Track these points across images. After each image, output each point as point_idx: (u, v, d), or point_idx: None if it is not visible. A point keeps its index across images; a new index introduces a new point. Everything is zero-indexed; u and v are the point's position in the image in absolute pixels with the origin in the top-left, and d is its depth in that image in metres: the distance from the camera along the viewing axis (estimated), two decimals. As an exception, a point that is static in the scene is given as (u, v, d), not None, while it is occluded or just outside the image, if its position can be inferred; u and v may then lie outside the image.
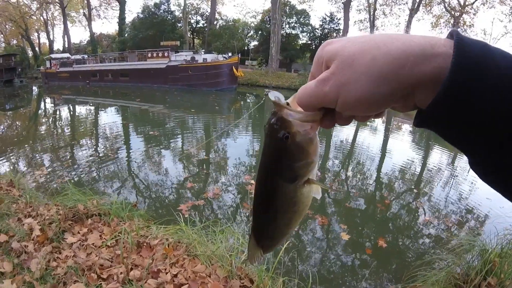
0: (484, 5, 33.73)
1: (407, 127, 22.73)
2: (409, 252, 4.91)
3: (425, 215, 6.10)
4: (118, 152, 8.23)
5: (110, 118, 12.97)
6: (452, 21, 35.12)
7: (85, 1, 39.04)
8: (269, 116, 0.44)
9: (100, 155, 7.97)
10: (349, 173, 9.13)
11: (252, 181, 6.56)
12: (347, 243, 4.82)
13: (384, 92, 0.36)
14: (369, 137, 15.59)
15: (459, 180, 7.86)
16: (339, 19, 38.87)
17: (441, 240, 5.03)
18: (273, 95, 0.43)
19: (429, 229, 5.71)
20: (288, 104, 0.43)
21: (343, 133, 16.00)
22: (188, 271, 2.69)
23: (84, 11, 39.98)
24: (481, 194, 6.47)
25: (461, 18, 34.74)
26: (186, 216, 4.17)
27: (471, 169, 0.40)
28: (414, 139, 16.60)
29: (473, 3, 34.00)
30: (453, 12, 34.80)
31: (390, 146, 13.90)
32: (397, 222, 5.98)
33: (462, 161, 9.43)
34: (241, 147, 9.99)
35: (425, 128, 0.38)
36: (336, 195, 7.08)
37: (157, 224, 3.58)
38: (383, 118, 25.13)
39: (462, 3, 34.26)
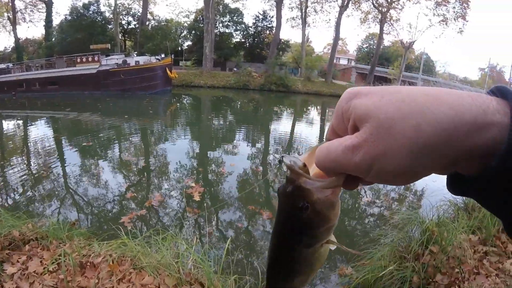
0: (409, 0, 36.14)
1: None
2: (356, 232, 5.12)
3: (366, 196, 6.37)
4: (52, 168, 7.76)
5: (40, 132, 12.13)
6: (379, 16, 37.45)
7: (10, 4, 35.23)
8: (283, 183, 0.40)
9: (33, 173, 7.45)
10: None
11: (193, 184, 6.45)
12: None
13: (427, 165, 0.31)
14: (306, 129, 16.12)
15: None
16: (272, 17, 39.68)
17: (384, 217, 5.26)
18: (288, 159, 0.39)
19: (372, 208, 6.00)
20: (305, 165, 0.39)
21: (281, 126, 16.36)
22: (137, 285, 2.65)
23: (9, 14, 36.13)
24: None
25: (388, 14, 37.15)
26: (129, 228, 4.03)
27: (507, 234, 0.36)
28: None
29: (400, -1, 36.26)
30: (380, 8, 37.09)
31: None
32: (342, 205, 6.16)
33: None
34: (180, 150, 9.77)
35: (462, 196, 0.35)
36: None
37: (99, 240, 3.42)
38: (319, 109, 26.17)
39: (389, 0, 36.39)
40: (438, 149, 0.30)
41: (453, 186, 0.35)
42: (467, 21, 34.87)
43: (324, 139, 0.40)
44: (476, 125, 0.29)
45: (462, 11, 34.84)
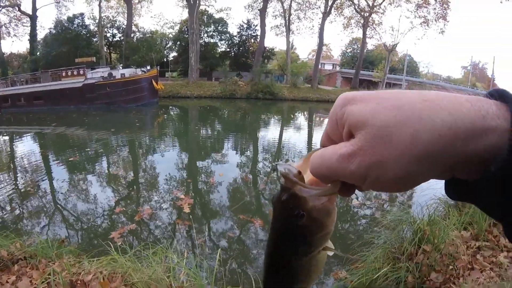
0: (391, 4, 36.78)
1: (329, 121, 23.92)
2: (349, 235, 5.11)
3: (358, 199, 6.37)
4: (40, 184, 7.64)
5: (26, 148, 11.89)
6: (362, 21, 38.03)
7: None
8: (278, 191, 0.39)
9: (20, 190, 7.31)
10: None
11: (183, 195, 6.40)
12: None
13: (424, 172, 0.30)
14: (294, 135, 16.18)
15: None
16: (256, 25, 39.85)
17: (376, 218, 5.26)
18: (283, 167, 0.38)
19: (363, 210, 6.01)
20: (299, 172, 0.38)
21: (270, 133, 16.38)
22: (128, 302, 2.61)
23: None
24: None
25: (371, 18, 37.73)
26: (119, 243, 3.99)
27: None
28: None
29: (381, 3, 36.97)
30: (362, 13, 37.63)
31: (316, 141, 14.46)
32: (333, 209, 6.16)
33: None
34: (168, 162, 9.69)
35: (460, 200, 0.34)
36: (272, 195, 7.09)
37: (89, 257, 3.39)
38: (306, 115, 26.34)
39: (370, 4, 37.01)
40: (437, 157, 0.29)
41: (451, 191, 0.35)
42: (447, 21, 35.55)
43: (319, 146, 0.39)
44: (475, 131, 0.29)
45: (443, 11, 35.53)
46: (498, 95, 0.31)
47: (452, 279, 3.07)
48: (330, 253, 0.46)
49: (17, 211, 6.16)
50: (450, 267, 3.17)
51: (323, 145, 0.38)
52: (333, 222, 0.41)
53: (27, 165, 9.47)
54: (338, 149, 0.33)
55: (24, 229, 5.35)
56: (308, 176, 0.39)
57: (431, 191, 4.36)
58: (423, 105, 0.30)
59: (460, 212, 4.07)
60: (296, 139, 14.60)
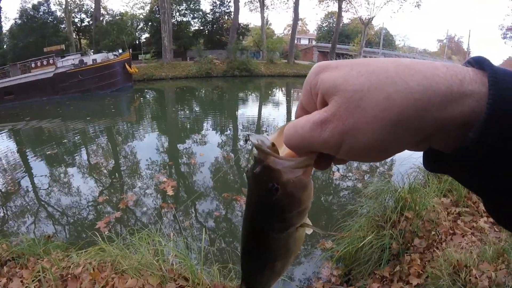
0: None
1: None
2: (333, 206, 5.23)
3: (339, 171, 6.48)
4: (21, 182, 7.46)
5: (2, 146, 11.37)
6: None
7: None
8: (251, 163, 0.37)
9: (1, 191, 7.12)
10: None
11: (165, 179, 6.36)
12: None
13: (400, 139, 0.29)
14: (273, 111, 16.19)
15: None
16: (229, 1, 38.89)
17: (358, 189, 5.38)
18: (255, 138, 0.36)
19: (345, 182, 6.13)
20: (273, 144, 0.36)
21: (248, 110, 16.32)
22: (121, 289, 2.64)
23: None
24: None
25: (346, -9, 37.34)
26: (105, 232, 4.11)
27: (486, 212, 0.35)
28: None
29: (357, -24, 36.57)
30: (338, -14, 37.16)
31: (295, 116, 14.53)
32: (316, 182, 6.27)
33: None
34: (149, 146, 9.58)
35: (439, 173, 0.33)
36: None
37: (77, 250, 3.37)
38: (283, 90, 26.32)
39: (346, -24, 36.55)
40: (412, 122, 0.28)
41: (429, 163, 0.33)
42: (424, -5, 35.65)
43: (294, 118, 0.37)
44: (451, 95, 0.27)
45: (418, -16, 35.59)
46: (476, 63, 0.31)
47: (435, 244, 3.19)
48: (309, 232, 0.44)
49: (0, 213, 6.01)
50: (433, 232, 3.30)
51: (297, 116, 0.37)
52: (309, 197, 0.40)
53: (5, 164, 9.19)
54: (311, 117, 0.32)
55: (10, 230, 5.27)
56: (284, 150, 0.38)
57: (411, 160, 4.47)
58: (397, 69, 0.29)
59: (439, 179, 4.20)
60: (275, 115, 14.64)
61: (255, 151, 0.37)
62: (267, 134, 0.39)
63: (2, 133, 14.20)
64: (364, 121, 0.29)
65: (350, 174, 6.42)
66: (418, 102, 0.27)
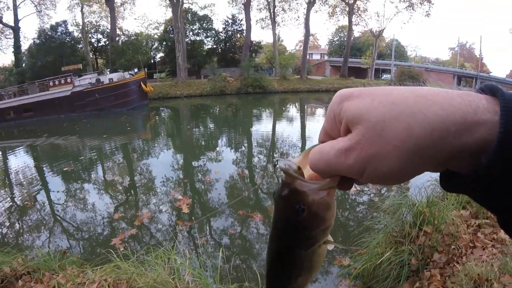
0: None
1: (320, 111, 24.07)
2: (349, 222, 5.13)
3: (355, 186, 6.38)
4: (37, 197, 7.58)
5: (20, 162, 11.75)
6: (347, 8, 37.89)
7: None
8: (278, 186, 0.41)
9: (18, 205, 7.27)
10: (276, 165, 9.30)
11: (181, 196, 6.38)
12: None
13: (418, 165, 0.32)
14: (287, 127, 16.17)
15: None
16: (241, 20, 39.46)
17: (375, 204, 5.28)
18: (283, 163, 0.39)
19: (362, 197, 6.02)
20: (299, 168, 0.39)
21: (263, 127, 16.37)
22: (136, 307, 2.61)
23: None
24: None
25: (355, 5, 37.58)
26: (121, 249, 4.03)
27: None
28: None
29: (365, -11, 36.74)
30: (347, 1, 37.42)
31: (309, 131, 14.50)
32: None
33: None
34: (164, 163, 9.69)
35: (456, 192, 0.35)
36: (269, 189, 7.13)
37: (92, 266, 3.37)
38: (297, 106, 26.36)
39: (355, -9, 36.78)
40: (429, 150, 0.30)
41: (445, 184, 0.35)
42: (432, 4, 35.58)
43: (318, 142, 0.40)
44: (466, 125, 0.29)
45: (427, -6, 35.62)
46: (488, 90, 0.32)
47: (455, 258, 3.09)
48: (331, 247, 0.46)
49: (17, 226, 6.14)
50: (452, 246, 3.20)
51: (321, 141, 0.39)
52: (332, 216, 0.42)
53: (22, 179, 9.40)
54: (336, 144, 0.34)
55: (25, 244, 5.34)
56: (308, 172, 0.40)
57: (428, 172, 4.38)
58: (416, 100, 0.31)
59: (458, 191, 4.08)
60: (289, 131, 14.62)
61: (282, 174, 0.39)
62: (292, 157, 0.41)
63: (20, 148, 14.57)
64: (385, 150, 0.31)
65: (367, 188, 6.33)
66: (435, 132, 0.29)
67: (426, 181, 4.36)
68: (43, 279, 3.13)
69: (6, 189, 8.67)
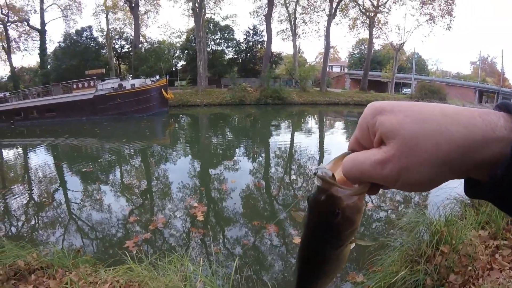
0: (395, 3, 36.70)
1: (339, 124, 23.89)
2: (365, 238, 5.02)
3: (372, 202, 6.30)
4: (55, 195, 7.75)
5: (40, 159, 12.08)
6: (368, 21, 37.83)
7: (4, 33, 35.64)
8: (314, 192, 0.44)
9: (36, 201, 7.44)
10: (293, 177, 9.27)
11: (196, 204, 6.42)
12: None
13: (445, 175, 0.36)
14: (305, 139, 16.09)
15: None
16: (262, 31, 39.80)
17: (392, 221, 5.19)
18: (321, 171, 0.43)
19: (378, 213, 5.94)
20: (333, 175, 0.43)
21: (281, 138, 16.35)
22: (146, 310, 2.60)
23: (3, 43, 36.49)
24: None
25: (376, 18, 37.52)
26: (134, 252, 4.03)
27: None
28: (347, 133, 17.37)
29: (386, 2, 36.84)
30: (368, 13, 37.42)
31: (327, 144, 14.40)
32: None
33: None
34: (181, 170, 9.77)
35: (479, 198, 0.39)
36: (284, 201, 7.10)
37: (105, 266, 3.39)
38: (316, 118, 26.26)
39: (375, 4, 36.88)
40: (454, 162, 0.35)
41: (468, 191, 0.39)
42: (454, 17, 35.22)
43: (348, 149, 0.44)
44: (485, 141, 0.34)
45: (448, 7, 35.25)
46: (505, 107, 0.36)
47: (471, 280, 3.00)
48: (352, 246, 0.51)
49: (33, 222, 6.27)
50: (469, 268, 3.10)
51: (351, 148, 0.43)
52: (360, 219, 0.46)
53: (41, 176, 9.63)
54: (371, 155, 0.38)
55: (40, 239, 5.44)
56: (337, 177, 0.43)
57: (447, 190, 4.30)
58: (444, 119, 0.35)
59: (477, 211, 3.99)
60: (307, 143, 14.53)
61: (317, 180, 0.43)
62: (322, 164, 0.45)
63: (41, 146, 14.96)
64: (417, 163, 0.35)
65: (384, 204, 6.23)
66: (460, 148, 0.34)
67: (445, 199, 4.27)
68: (56, 275, 3.16)
69: (25, 185, 8.90)
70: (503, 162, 0.33)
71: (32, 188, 8.63)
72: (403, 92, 45.84)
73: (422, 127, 0.36)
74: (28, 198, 7.67)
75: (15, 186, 8.82)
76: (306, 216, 0.47)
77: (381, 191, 0.45)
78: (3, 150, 14.90)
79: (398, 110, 0.38)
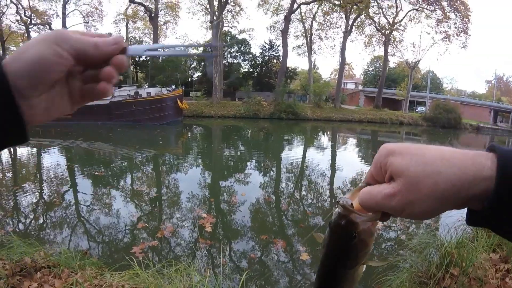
0: (411, 21, 37.07)
1: (352, 141, 23.74)
2: (374, 258, 4.93)
3: (383, 222, 6.20)
4: (65, 196, 7.79)
5: (53, 160, 12.24)
6: (383, 39, 37.92)
7: (26, 35, 36.84)
8: (335, 217, 0.50)
9: (46, 200, 7.49)
10: (303, 193, 9.21)
11: (205, 215, 6.43)
12: (310, 262, 4.79)
13: (443, 207, 0.44)
14: (317, 155, 16.02)
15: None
16: (278, 46, 40.37)
17: (402, 241, 5.10)
18: (343, 200, 0.49)
19: (388, 233, 5.85)
20: (351, 204, 0.50)
21: (293, 153, 16.31)
22: (150, 318, 2.57)
23: None
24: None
25: (391, 36, 37.63)
26: (140, 258, 3.97)
27: None
28: (360, 151, 17.25)
29: (401, 20, 37.12)
30: (383, 31, 37.59)
31: (339, 161, 14.31)
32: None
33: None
34: (191, 180, 9.79)
35: (477, 226, 0.48)
36: (294, 216, 7.06)
37: (111, 270, 3.40)
38: (329, 135, 26.17)
39: (391, 22, 37.10)
40: (450, 197, 0.42)
41: (467, 219, 0.46)
42: (469, 35, 35.17)
43: (364, 182, 0.52)
44: (475, 180, 0.41)
45: (464, 25, 35.26)
46: (494, 149, 0.42)
47: (480, 303, 2.93)
48: (363, 268, 0.56)
49: (41, 220, 6.32)
50: (479, 291, 3.03)
51: (367, 182, 0.51)
52: (373, 242, 0.53)
53: (53, 177, 9.70)
54: (383, 189, 0.45)
55: (47, 238, 5.48)
56: (354, 205, 0.50)
57: (459, 211, 4.20)
58: (442, 163, 0.42)
59: (489, 233, 3.90)
60: (319, 159, 14.44)
61: (338, 208, 0.49)
62: (342, 193, 0.48)
63: (55, 147, 15.15)
64: (419, 197, 0.42)
65: (394, 224, 6.14)
66: (454, 187, 0.41)
67: (457, 221, 4.18)
68: (61, 275, 3.17)
69: (37, 184, 8.97)
70: (490, 196, 0.40)
71: (43, 188, 8.71)
72: (417, 110, 45.50)
73: (423, 169, 0.42)
74: (38, 197, 7.74)
75: (27, 184, 8.92)
76: (327, 237, 0.52)
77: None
78: (17, 149, 15.19)
79: (406, 152, 0.45)
